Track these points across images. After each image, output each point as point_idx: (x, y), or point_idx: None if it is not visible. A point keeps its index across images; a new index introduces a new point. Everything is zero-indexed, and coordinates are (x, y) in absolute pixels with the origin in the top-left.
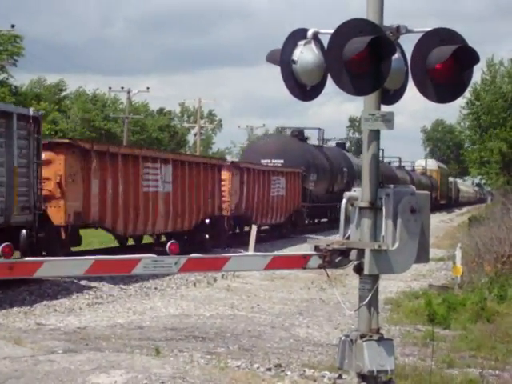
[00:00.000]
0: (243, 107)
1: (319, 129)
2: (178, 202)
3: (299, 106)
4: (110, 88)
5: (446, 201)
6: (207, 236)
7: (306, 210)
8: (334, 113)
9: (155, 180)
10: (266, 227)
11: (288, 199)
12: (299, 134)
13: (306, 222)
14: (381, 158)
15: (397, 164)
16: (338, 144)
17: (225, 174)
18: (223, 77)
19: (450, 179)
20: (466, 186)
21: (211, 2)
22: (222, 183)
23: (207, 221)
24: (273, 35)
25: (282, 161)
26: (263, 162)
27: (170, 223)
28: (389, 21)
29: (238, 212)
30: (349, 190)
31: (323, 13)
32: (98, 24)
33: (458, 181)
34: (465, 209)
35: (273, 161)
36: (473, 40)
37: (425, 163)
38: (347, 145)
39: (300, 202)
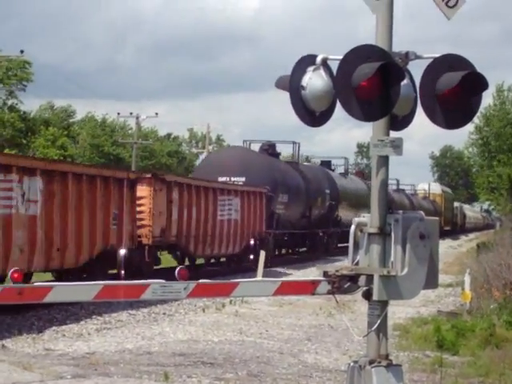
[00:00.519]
0: (251, 133)
1: (294, 142)
2: (52, 228)
3: (307, 133)
4: (118, 113)
5: (451, 227)
6: (122, 272)
7: (273, 239)
8: (342, 139)
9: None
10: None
11: (245, 225)
12: (269, 148)
13: (276, 252)
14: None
15: (394, 187)
16: (322, 162)
17: (143, 190)
18: (232, 102)
19: (456, 204)
20: (472, 211)
21: (220, 28)
22: (139, 202)
23: (122, 252)
24: (280, 61)
25: (243, 179)
26: (220, 180)
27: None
28: (398, 47)
29: (167, 240)
30: (332, 214)
31: (332, 40)
32: (107, 50)
33: (465, 206)
34: (472, 235)
35: (232, 178)
36: (482, 65)
37: (428, 187)
38: (354, 170)
39: (263, 229)
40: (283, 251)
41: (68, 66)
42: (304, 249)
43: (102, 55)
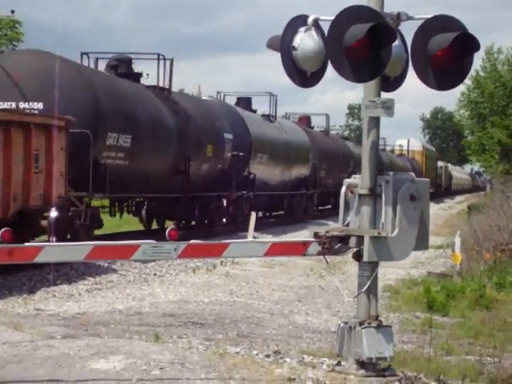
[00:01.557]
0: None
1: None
2: None
3: (302, 93)
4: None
5: (434, 188)
6: None
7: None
8: (335, 101)
9: None
10: None
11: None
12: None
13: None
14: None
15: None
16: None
17: None
18: (225, 64)
19: (440, 164)
20: (460, 172)
21: None
22: None
23: None
24: (276, 22)
25: (40, 105)
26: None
27: None
28: (390, 8)
29: None
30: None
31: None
32: (99, 10)
33: (451, 166)
34: (460, 197)
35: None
36: (474, 29)
37: (406, 143)
38: (346, 132)
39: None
40: (260, 214)
41: (59, 27)
42: (281, 212)
43: (94, 15)
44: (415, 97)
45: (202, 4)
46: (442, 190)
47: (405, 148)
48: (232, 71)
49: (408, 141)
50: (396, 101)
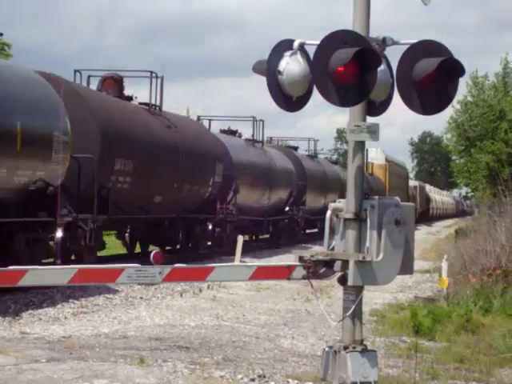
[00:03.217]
0: (230, 119)
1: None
2: None
3: (291, 117)
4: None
5: None
6: None
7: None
8: (326, 124)
9: None
10: None
11: None
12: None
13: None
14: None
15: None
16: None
17: None
18: (215, 87)
19: (414, 183)
20: (441, 194)
21: (205, 12)
22: None
23: None
24: (267, 46)
25: None
26: None
27: None
28: (383, 33)
29: None
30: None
31: (319, 24)
32: (91, 33)
33: (429, 187)
34: (439, 224)
35: None
36: (467, 52)
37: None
38: (335, 156)
39: None
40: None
41: (49, 50)
42: (266, 236)
43: (85, 38)
44: (405, 121)
45: (191, 27)
46: (417, 216)
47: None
48: (221, 94)
49: (366, 151)
50: (385, 125)
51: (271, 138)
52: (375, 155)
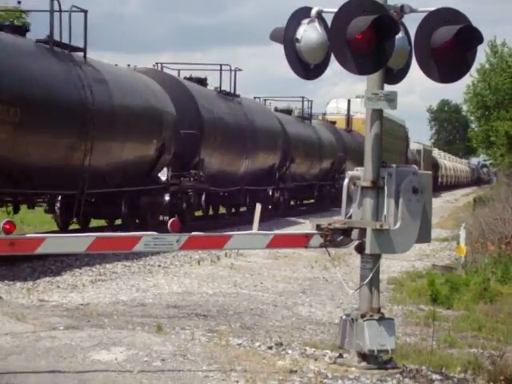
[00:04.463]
0: (255, 86)
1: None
2: None
3: (313, 85)
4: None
5: None
6: None
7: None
8: (345, 93)
9: None
10: None
11: None
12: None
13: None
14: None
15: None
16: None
17: None
18: (236, 55)
19: (417, 146)
20: (454, 161)
21: None
22: None
23: None
24: (287, 13)
25: None
26: None
27: None
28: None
29: None
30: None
31: None
32: (111, 1)
33: (438, 152)
34: (448, 195)
35: None
36: (490, 19)
37: (347, 106)
38: None
39: None
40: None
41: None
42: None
43: (104, 5)
44: (425, 89)
45: None
46: None
47: (342, 113)
48: (243, 62)
49: (348, 102)
50: (405, 93)
51: (257, 97)
52: (360, 107)
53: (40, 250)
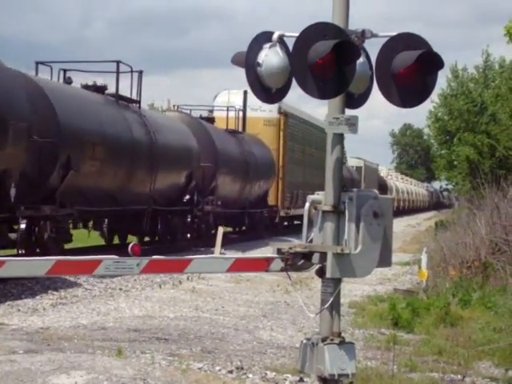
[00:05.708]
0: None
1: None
2: None
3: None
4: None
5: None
6: None
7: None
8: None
9: None
10: None
11: None
12: None
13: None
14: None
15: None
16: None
17: None
18: (199, 78)
19: (358, 162)
20: (408, 182)
21: (190, 3)
22: None
23: None
24: (250, 39)
25: None
26: None
27: None
28: (369, 25)
29: None
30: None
31: (305, 17)
32: (75, 24)
33: (387, 171)
34: (407, 220)
35: None
36: (452, 45)
37: (243, 100)
38: None
39: None
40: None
41: (34, 40)
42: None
43: (69, 29)
44: (388, 114)
45: (177, 18)
46: None
47: (236, 108)
48: (205, 85)
49: (245, 95)
50: (370, 117)
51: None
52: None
53: (0, 273)
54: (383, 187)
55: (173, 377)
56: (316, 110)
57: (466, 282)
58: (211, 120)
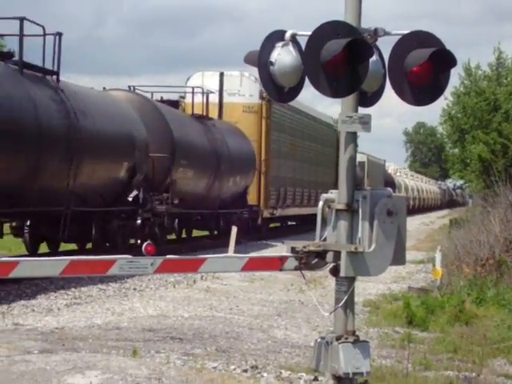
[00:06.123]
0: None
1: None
2: None
3: None
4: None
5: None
6: None
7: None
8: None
9: None
10: None
11: None
12: None
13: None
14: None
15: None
16: None
17: None
18: None
19: (361, 157)
20: (420, 180)
21: (201, 3)
22: None
23: None
24: (262, 37)
25: None
26: None
27: None
28: (381, 24)
29: None
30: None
31: (316, 15)
32: (88, 23)
33: (395, 167)
34: (421, 219)
35: None
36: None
37: (219, 84)
38: None
39: None
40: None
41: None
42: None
43: (82, 28)
44: (401, 112)
45: (189, 19)
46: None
47: (204, 90)
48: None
49: (221, 77)
50: (383, 115)
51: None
52: (242, 86)
53: (13, 274)
54: (390, 185)
55: (187, 376)
56: (330, 108)
57: (480, 280)
58: (175, 104)
